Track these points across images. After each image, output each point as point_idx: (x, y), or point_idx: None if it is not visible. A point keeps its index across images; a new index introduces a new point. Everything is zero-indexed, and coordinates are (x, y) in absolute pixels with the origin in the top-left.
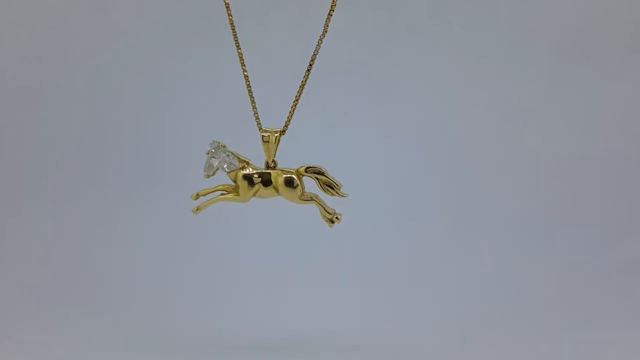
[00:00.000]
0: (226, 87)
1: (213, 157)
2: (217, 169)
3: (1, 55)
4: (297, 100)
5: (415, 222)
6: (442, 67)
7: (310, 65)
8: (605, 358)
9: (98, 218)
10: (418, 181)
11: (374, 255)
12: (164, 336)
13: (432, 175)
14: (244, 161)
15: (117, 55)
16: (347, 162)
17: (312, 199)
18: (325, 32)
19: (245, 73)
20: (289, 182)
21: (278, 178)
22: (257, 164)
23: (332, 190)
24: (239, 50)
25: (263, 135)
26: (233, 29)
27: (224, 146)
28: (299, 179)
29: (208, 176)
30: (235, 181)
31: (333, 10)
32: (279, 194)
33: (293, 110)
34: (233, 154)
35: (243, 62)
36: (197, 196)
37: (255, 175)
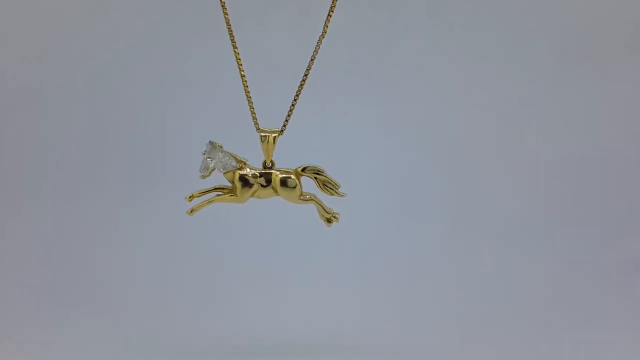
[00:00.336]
0: (226, 87)
1: (209, 158)
2: (213, 170)
3: (1, 55)
4: (295, 100)
5: (415, 222)
6: (442, 67)
7: (310, 65)
8: (605, 358)
9: (98, 218)
10: (418, 181)
11: (374, 255)
12: (163, 336)
13: (432, 175)
14: (241, 161)
15: (117, 55)
16: (347, 162)
17: (310, 199)
18: (325, 32)
19: (242, 73)
20: (288, 182)
21: (276, 178)
22: (254, 165)
23: (330, 190)
24: (236, 50)
25: (261, 136)
26: (229, 29)
27: (220, 146)
28: (298, 179)
29: (203, 177)
30: (232, 182)
31: (332, 11)
32: (278, 195)
33: (291, 111)
34: (230, 154)
35: (240, 62)
36: (192, 197)
37: (254, 176)
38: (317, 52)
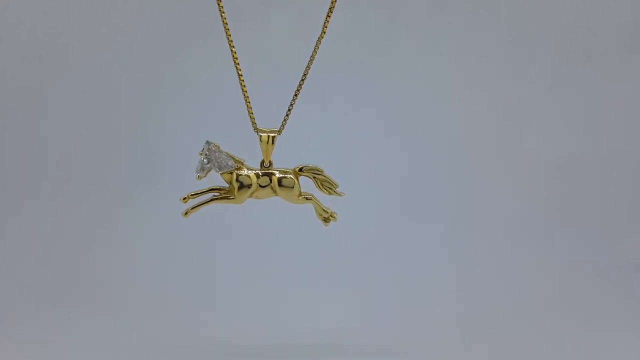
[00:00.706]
0: (227, 87)
1: (206, 158)
2: (209, 170)
3: (1, 55)
4: (294, 100)
5: (415, 222)
6: (442, 67)
7: (309, 65)
8: (605, 358)
9: (98, 218)
10: (418, 181)
11: (373, 255)
12: (163, 336)
13: (432, 175)
14: (239, 162)
15: (117, 55)
16: (346, 162)
17: (309, 199)
18: (324, 32)
19: (240, 72)
20: (287, 183)
21: (275, 178)
22: (251, 165)
23: (329, 190)
24: (233, 49)
25: (261, 136)
26: (227, 29)
27: (218, 146)
28: (296, 178)
29: (200, 177)
30: (230, 182)
31: (332, 12)
32: (277, 195)
33: (290, 111)
34: (227, 154)
35: (237, 62)
36: (186, 199)
37: (253, 176)
38: (316, 52)
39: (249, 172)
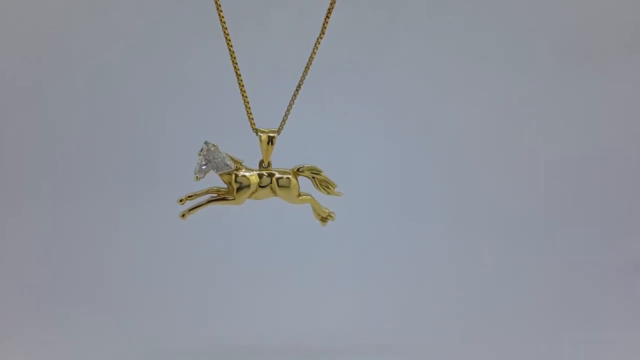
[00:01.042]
0: (227, 87)
1: (205, 159)
2: (208, 171)
3: (1, 55)
4: (293, 100)
5: (415, 222)
6: (442, 67)
7: (308, 65)
8: (605, 358)
9: (98, 218)
10: (418, 181)
11: (373, 256)
12: (163, 336)
13: (431, 175)
14: (238, 162)
15: (117, 55)
16: (346, 162)
17: (308, 199)
18: (323, 33)
19: (238, 72)
20: (287, 183)
21: (275, 179)
22: (249, 165)
23: (327, 190)
24: (231, 49)
25: (260, 136)
26: (225, 29)
27: (216, 147)
28: (295, 179)
29: (198, 178)
30: (229, 183)
31: (330, 12)
32: (276, 195)
33: (289, 111)
34: (226, 155)
35: (235, 62)
36: (183, 201)
37: (255, 177)
38: (315, 52)
39: (250, 172)
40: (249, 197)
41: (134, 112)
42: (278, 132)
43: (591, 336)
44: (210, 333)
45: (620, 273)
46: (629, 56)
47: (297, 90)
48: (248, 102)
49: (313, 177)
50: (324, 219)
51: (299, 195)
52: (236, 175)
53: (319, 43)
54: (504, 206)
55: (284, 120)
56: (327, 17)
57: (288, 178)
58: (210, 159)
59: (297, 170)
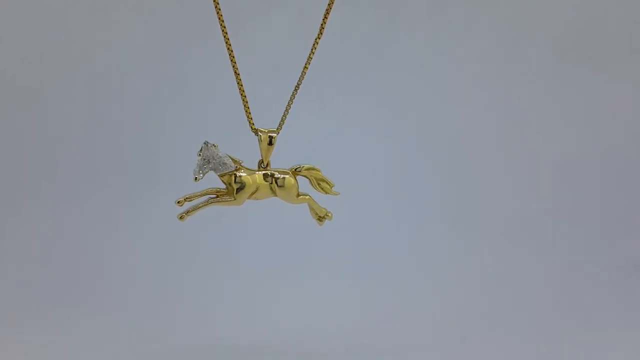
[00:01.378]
0: (227, 87)
1: (205, 159)
2: (208, 171)
3: (1, 55)
4: (291, 100)
5: (415, 222)
6: (442, 67)
7: (306, 66)
8: (605, 358)
9: (98, 218)
10: (418, 181)
11: (373, 256)
12: (163, 336)
13: (432, 175)
14: (237, 162)
15: (117, 55)
16: (346, 162)
17: (306, 199)
18: (321, 33)
19: (237, 72)
20: (287, 183)
21: (274, 179)
22: (248, 165)
23: (325, 189)
24: (230, 48)
25: (260, 135)
26: (224, 28)
27: (216, 147)
28: (295, 178)
29: (197, 179)
30: (229, 184)
31: (329, 13)
32: (275, 195)
33: (287, 111)
34: (226, 155)
35: (234, 62)
36: (182, 202)
37: (257, 176)
38: (313, 52)
39: (252, 172)
40: (249, 197)
41: (134, 112)
42: (277, 132)
43: (591, 336)
44: (210, 333)
45: (620, 273)
46: (629, 56)
47: (295, 90)
48: (247, 102)
49: (311, 177)
50: (321, 219)
51: (298, 195)
52: (236, 176)
53: (317, 43)
54: (504, 206)
55: (282, 121)
56: (325, 17)
57: (288, 178)
58: (209, 159)
59: (295, 170)
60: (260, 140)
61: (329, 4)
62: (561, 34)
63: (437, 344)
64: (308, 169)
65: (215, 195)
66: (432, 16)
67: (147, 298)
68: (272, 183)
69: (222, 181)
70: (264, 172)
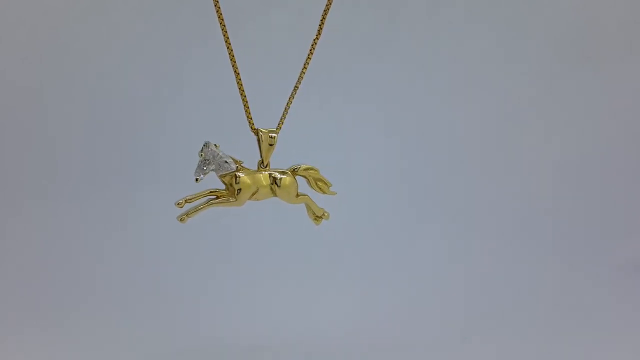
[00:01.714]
0: (227, 87)
1: (206, 159)
2: (209, 172)
3: (1, 55)
4: (290, 100)
5: (415, 222)
6: (442, 67)
7: (305, 66)
8: (606, 358)
9: (98, 218)
10: (418, 181)
11: (373, 256)
12: (163, 336)
13: (432, 175)
14: (238, 162)
15: (117, 55)
16: (346, 162)
17: (305, 199)
18: (319, 33)
19: (237, 71)
20: (287, 183)
21: (275, 179)
22: (247, 165)
23: (322, 189)
24: (229, 47)
25: (261, 135)
26: (224, 28)
27: (217, 146)
28: (294, 178)
29: (198, 180)
30: (230, 184)
31: (327, 13)
32: (276, 195)
33: (286, 111)
34: (227, 155)
35: (234, 61)
36: (182, 204)
37: (262, 177)
38: (312, 53)
39: (255, 173)
40: (250, 197)
41: (134, 112)
42: (276, 131)
43: (591, 336)
44: (210, 333)
45: (620, 273)
46: (629, 56)
47: (294, 90)
48: (247, 102)
49: (309, 177)
50: (317, 218)
51: (297, 195)
52: (237, 177)
53: (316, 43)
54: (504, 206)
55: (281, 121)
56: (323, 17)
57: (288, 178)
58: (211, 159)
59: (293, 170)
60: (261, 140)
61: (326, 5)
62: (561, 34)
63: (437, 344)
64: (306, 169)
65: (215, 197)
66: (432, 16)
67: (147, 298)
68: (272, 183)
69: (223, 182)
70: (266, 172)
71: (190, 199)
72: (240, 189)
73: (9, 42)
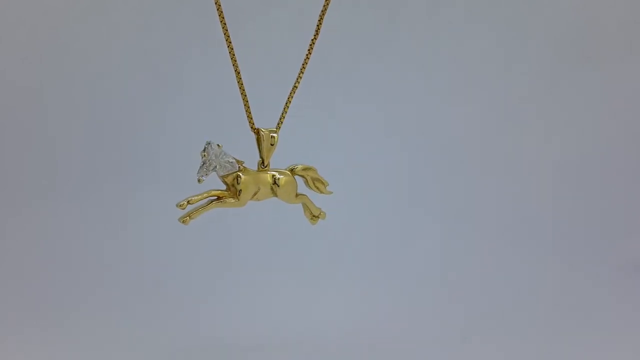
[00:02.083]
0: (227, 87)
1: (208, 159)
2: (211, 172)
3: (1, 55)
4: (289, 100)
5: (415, 221)
6: (442, 67)
7: (304, 66)
8: (606, 358)
9: (98, 218)
10: (418, 181)
11: (373, 255)
12: (163, 336)
13: (432, 175)
14: (240, 163)
15: (117, 55)
16: (346, 162)
17: (303, 198)
18: (317, 33)
19: (238, 71)
20: (287, 182)
21: (275, 179)
22: (247, 165)
23: (319, 188)
24: (230, 47)
25: (262, 135)
26: (225, 28)
27: (220, 146)
28: (293, 178)
29: (201, 180)
30: (232, 185)
31: (324, 13)
32: (276, 195)
33: (286, 110)
34: (230, 155)
35: (235, 61)
36: (184, 205)
37: (256, 177)
38: (310, 53)
39: (256, 173)
40: (252, 197)
41: (134, 112)
42: (275, 131)
43: (591, 336)
44: (210, 333)
45: (620, 273)
46: (629, 56)
47: (293, 90)
48: (247, 102)
49: (307, 176)
50: (314, 218)
51: (297, 195)
52: (239, 177)
53: (314, 43)
54: (503, 206)
55: (280, 121)
56: (321, 18)
57: (288, 178)
58: (214, 159)
59: (292, 170)
60: (262, 140)
61: (324, 5)
62: (561, 34)
63: (437, 344)
64: (304, 169)
65: (217, 197)
66: (432, 16)
67: (147, 298)
68: (273, 183)
69: (224, 182)
70: (267, 172)
71: (192, 200)
72: (241, 190)
73: (9, 42)
